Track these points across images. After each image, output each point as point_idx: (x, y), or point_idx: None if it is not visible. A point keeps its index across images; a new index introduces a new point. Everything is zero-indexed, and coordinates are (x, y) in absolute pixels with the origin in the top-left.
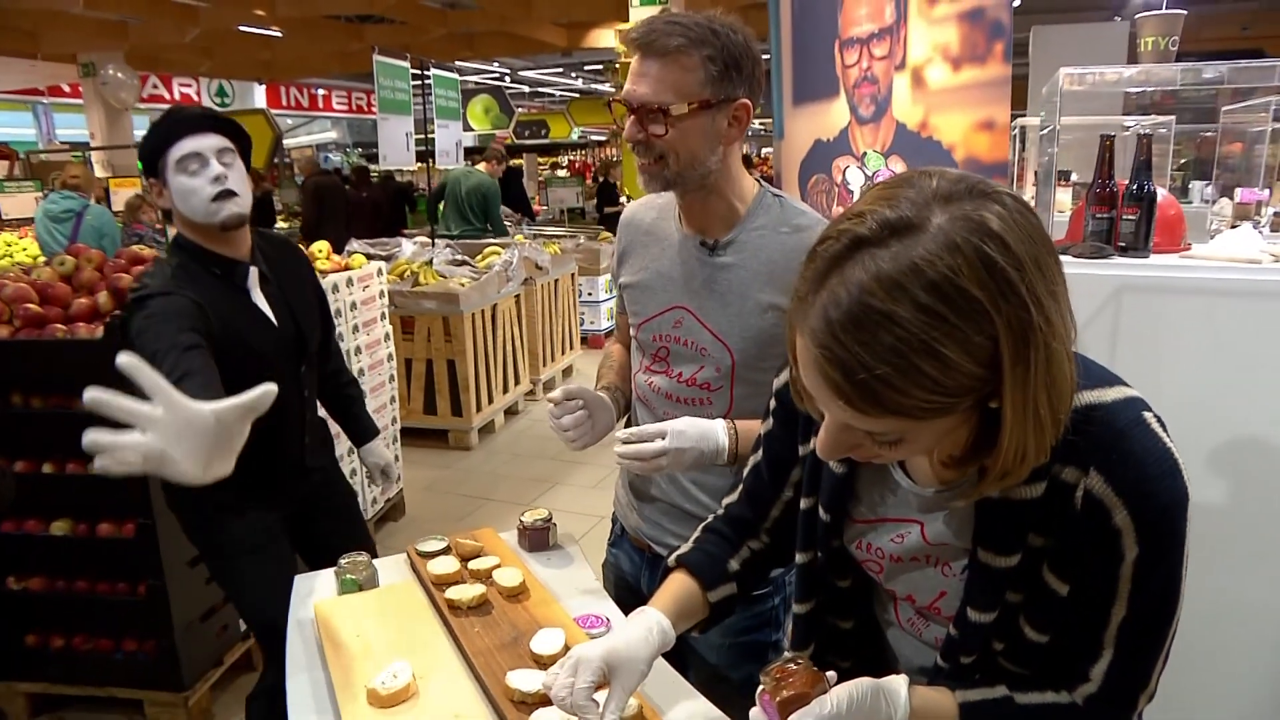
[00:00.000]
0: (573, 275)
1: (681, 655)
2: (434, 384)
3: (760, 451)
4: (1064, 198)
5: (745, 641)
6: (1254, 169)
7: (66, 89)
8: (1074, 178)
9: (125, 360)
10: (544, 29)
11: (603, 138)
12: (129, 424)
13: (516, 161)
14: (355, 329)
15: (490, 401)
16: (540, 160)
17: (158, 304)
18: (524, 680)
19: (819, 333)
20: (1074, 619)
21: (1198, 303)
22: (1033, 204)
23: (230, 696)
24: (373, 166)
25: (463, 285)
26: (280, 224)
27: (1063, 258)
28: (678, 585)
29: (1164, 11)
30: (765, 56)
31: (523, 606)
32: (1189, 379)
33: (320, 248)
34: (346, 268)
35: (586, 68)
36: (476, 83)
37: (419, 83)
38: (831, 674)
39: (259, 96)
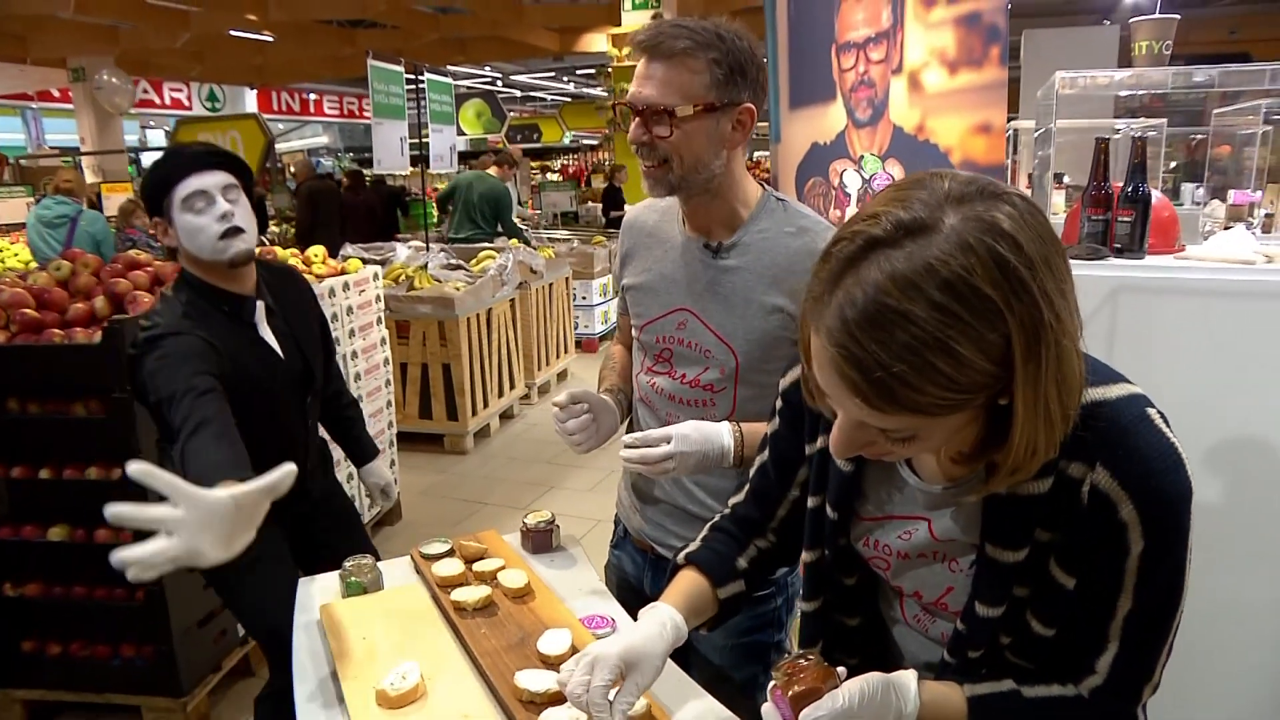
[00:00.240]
0: (567, 279)
1: (684, 655)
2: (429, 388)
3: (766, 451)
4: (1058, 200)
5: (748, 642)
6: (1244, 171)
7: (56, 94)
8: (1066, 180)
9: (137, 469)
10: (536, 33)
11: (595, 142)
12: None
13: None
14: (351, 333)
15: (485, 406)
16: (532, 165)
17: (171, 344)
18: (532, 680)
19: (835, 332)
20: (1080, 612)
21: (1193, 303)
22: None
23: (228, 702)
24: (366, 171)
25: (458, 289)
26: (272, 228)
27: None
28: (688, 582)
29: (1158, 16)
30: (764, 60)
31: (528, 608)
32: (1185, 378)
33: (316, 252)
34: (342, 272)
35: (578, 72)
36: (468, 87)
37: (413, 87)
38: (842, 669)
39: (250, 101)
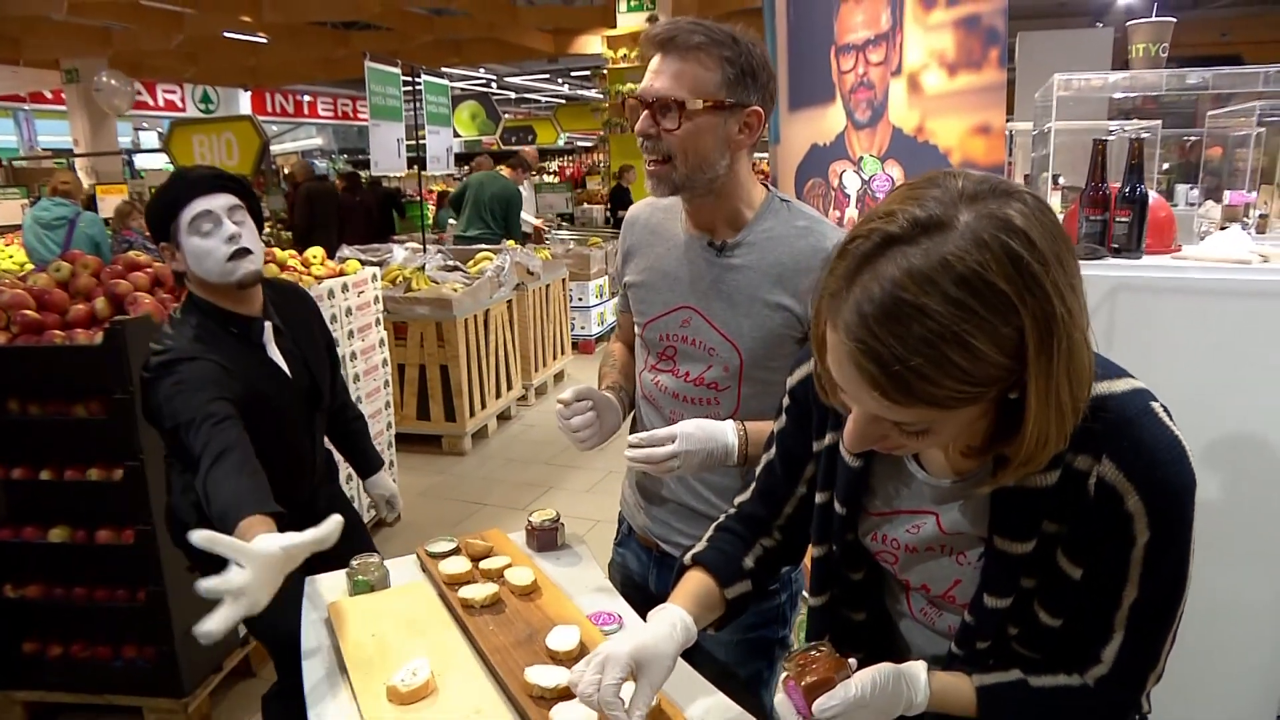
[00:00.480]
0: (564, 280)
1: (689, 652)
2: (427, 389)
3: (773, 449)
4: (1054, 201)
5: (753, 638)
6: (1236, 173)
7: (49, 95)
8: (1061, 181)
9: (201, 538)
10: (530, 35)
11: (590, 143)
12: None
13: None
14: (350, 335)
15: (483, 407)
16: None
17: (186, 370)
18: (542, 675)
19: (853, 326)
20: (1086, 602)
21: (1190, 302)
22: None
23: (230, 702)
24: (362, 172)
25: (455, 291)
26: (266, 230)
27: None
28: (695, 583)
29: (1155, 19)
30: None
31: (536, 605)
32: (1182, 377)
33: (314, 253)
34: (341, 273)
35: (573, 74)
36: (463, 89)
37: (409, 89)
38: (853, 660)
39: (244, 103)
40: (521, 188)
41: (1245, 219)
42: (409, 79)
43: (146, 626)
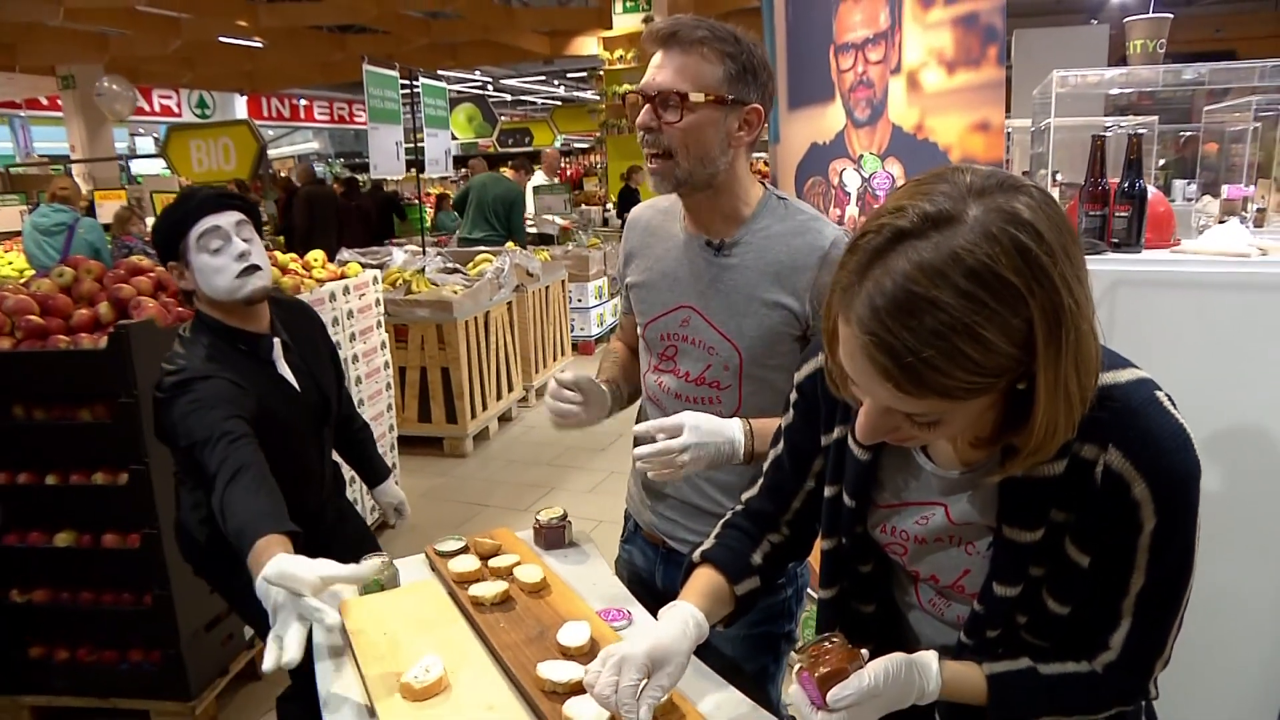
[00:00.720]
0: (563, 282)
1: (697, 649)
2: (428, 392)
3: (781, 444)
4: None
5: (759, 633)
6: (1233, 168)
7: (44, 101)
8: (1060, 178)
9: (333, 622)
10: (526, 37)
11: (586, 145)
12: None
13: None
14: (352, 337)
15: (484, 409)
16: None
17: (201, 388)
18: (554, 671)
19: (866, 319)
20: (1094, 590)
21: (1190, 296)
22: None
23: (236, 705)
24: (361, 176)
25: (455, 293)
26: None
27: None
28: (705, 579)
29: (1152, 16)
30: None
31: (545, 602)
32: (1182, 369)
33: (316, 256)
34: (342, 276)
35: (569, 75)
36: (459, 92)
37: (407, 92)
38: (865, 650)
39: (240, 107)
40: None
41: (1243, 213)
42: (407, 82)
43: (152, 630)
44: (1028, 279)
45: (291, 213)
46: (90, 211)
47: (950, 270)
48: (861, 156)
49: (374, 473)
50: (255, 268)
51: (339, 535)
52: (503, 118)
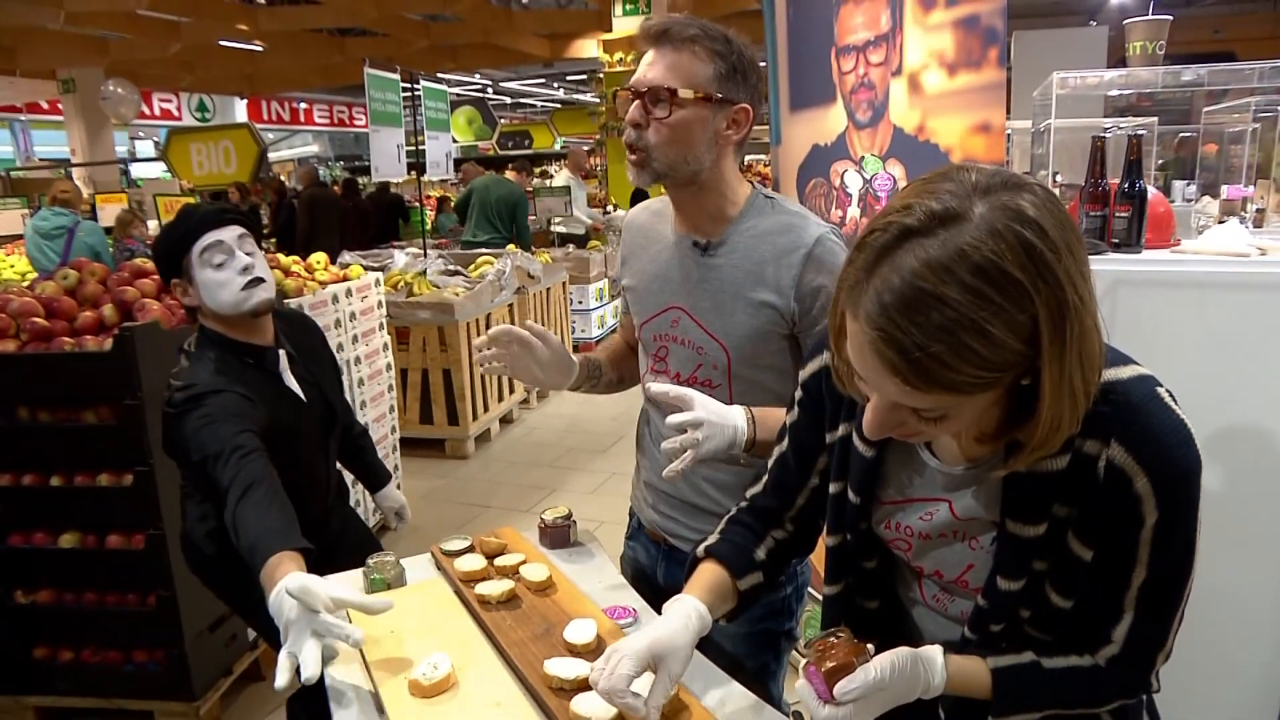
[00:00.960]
0: (564, 284)
1: (699, 646)
2: (429, 393)
3: (785, 441)
4: None
5: (759, 630)
6: (1232, 169)
7: (45, 105)
8: (1060, 179)
9: (358, 639)
10: (526, 40)
11: (586, 148)
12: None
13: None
14: (354, 339)
15: (486, 410)
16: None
17: (213, 403)
18: (561, 668)
19: (874, 316)
20: (1097, 583)
21: (1190, 295)
22: None
23: (240, 706)
24: (362, 179)
25: (457, 295)
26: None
27: None
28: (709, 574)
29: (1151, 17)
30: (762, 64)
31: (551, 600)
32: (1183, 369)
33: (318, 259)
34: (344, 278)
35: (568, 78)
36: (459, 94)
37: (407, 95)
38: (871, 645)
39: (240, 111)
40: (574, 186)
41: (1242, 213)
42: (408, 85)
43: (157, 631)
44: (1033, 275)
45: (281, 215)
46: (92, 215)
47: (957, 267)
48: (863, 158)
49: (375, 478)
50: (260, 279)
51: (343, 543)
52: (502, 120)
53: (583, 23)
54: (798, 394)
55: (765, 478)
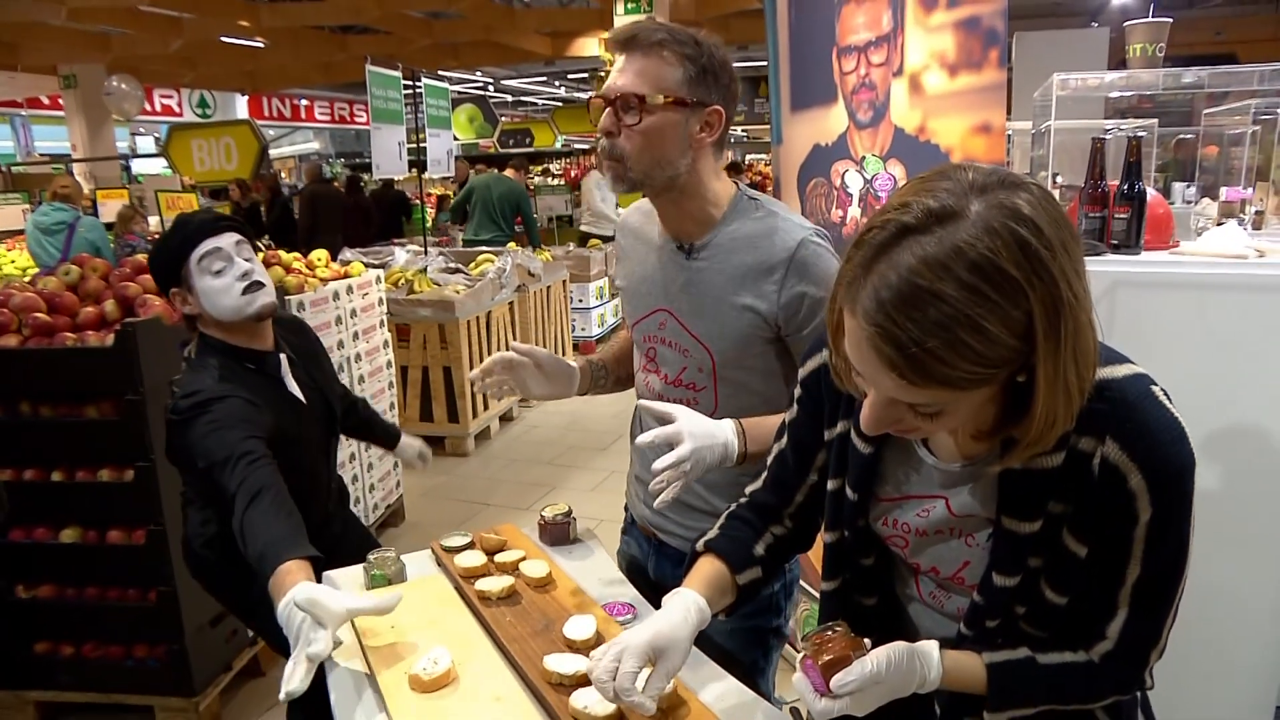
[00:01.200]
0: (564, 282)
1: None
2: (430, 391)
3: (785, 438)
4: None
5: (748, 627)
6: (1232, 171)
7: (45, 100)
8: (1060, 180)
9: (304, 600)
10: (528, 38)
11: (587, 146)
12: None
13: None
14: (355, 336)
15: (486, 408)
16: (532, 168)
17: (219, 409)
18: (561, 663)
19: (871, 312)
20: (1091, 580)
21: (1189, 297)
22: None
23: (240, 701)
24: (365, 176)
25: (457, 293)
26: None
27: None
28: (708, 568)
29: (1152, 20)
30: (763, 64)
31: (551, 596)
32: (1181, 370)
33: (319, 256)
34: (345, 275)
35: (570, 76)
36: (460, 92)
37: (409, 92)
38: (868, 640)
39: (241, 107)
40: (605, 186)
41: (1241, 215)
42: (409, 82)
43: (157, 626)
44: (1028, 272)
45: (274, 212)
46: (93, 210)
47: (953, 263)
48: (864, 158)
49: (389, 437)
50: (259, 284)
51: (344, 545)
52: (503, 118)
53: (584, 21)
54: (796, 391)
55: (765, 474)
